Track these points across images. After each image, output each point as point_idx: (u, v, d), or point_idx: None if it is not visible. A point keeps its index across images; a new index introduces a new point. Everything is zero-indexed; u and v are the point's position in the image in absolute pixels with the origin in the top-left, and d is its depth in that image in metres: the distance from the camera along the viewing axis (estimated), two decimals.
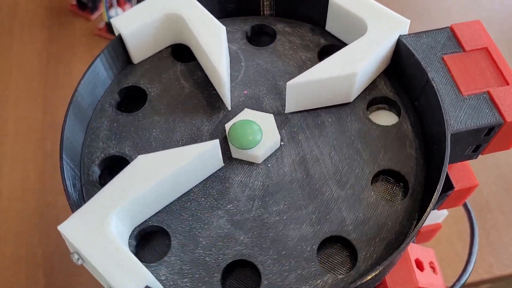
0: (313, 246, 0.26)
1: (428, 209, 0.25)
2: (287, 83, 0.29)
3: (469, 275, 0.35)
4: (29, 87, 0.62)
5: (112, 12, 0.63)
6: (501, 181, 0.55)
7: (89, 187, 0.29)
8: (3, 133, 0.58)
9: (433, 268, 0.34)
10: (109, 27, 0.64)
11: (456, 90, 0.29)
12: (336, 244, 0.27)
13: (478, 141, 0.29)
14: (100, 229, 0.24)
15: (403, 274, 0.32)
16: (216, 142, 0.27)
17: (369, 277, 0.24)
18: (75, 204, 0.26)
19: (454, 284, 0.34)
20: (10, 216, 0.53)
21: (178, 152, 0.27)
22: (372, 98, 0.31)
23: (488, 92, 0.29)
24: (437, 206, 0.36)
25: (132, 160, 0.29)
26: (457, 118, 0.28)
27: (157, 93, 0.32)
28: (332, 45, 0.33)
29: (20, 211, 0.53)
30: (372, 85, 0.32)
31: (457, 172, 0.34)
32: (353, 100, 0.31)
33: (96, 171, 0.29)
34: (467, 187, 0.34)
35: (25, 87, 0.62)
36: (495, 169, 0.56)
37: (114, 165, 0.30)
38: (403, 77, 0.31)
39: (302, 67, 0.32)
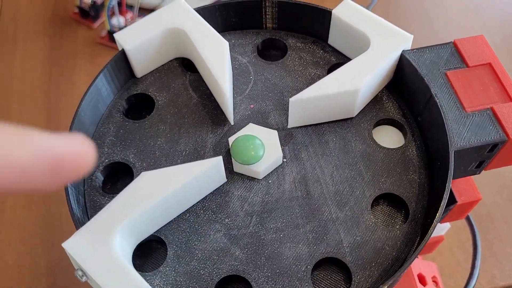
0: (308, 267, 0.26)
1: (431, 228, 0.25)
2: (290, 99, 0.29)
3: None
4: (32, 95, 0.62)
5: (114, 20, 0.63)
6: (504, 192, 0.55)
7: (91, 192, 0.29)
8: None
9: (435, 282, 0.34)
10: (111, 35, 0.64)
11: (460, 106, 0.29)
12: (331, 266, 0.27)
13: (481, 157, 0.29)
14: (104, 247, 0.24)
15: None
16: (219, 159, 0.27)
17: None
18: (79, 221, 0.26)
19: None
20: (14, 226, 0.53)
21: (182, 169, 0.27)
22: (379, 119, 0.31)
23: (492, 109, 0.29)
24: (440, 219, 0.36)
25: (135, 168, 0.29)
26: (460, 135, 0.28)
27: (165, 102, 0.32)
28: (342, 63, 0.33)
29: (24, 222, 0.53)
30: (379, 105, 0.32)
31: (460, 186, 0.34)
32: (359, 120, 0.31)
33: (100, 177, 0.29)
34: (470, 201, 0.34)
35: (28, 95, 0.62)
36: (498, 179, 0.56)
37: (117, 171, 0.30)
38: (406, 92, 0.31)
39: (311, 84, 0.32)
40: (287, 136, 0.31)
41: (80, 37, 0.66)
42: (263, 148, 0.28)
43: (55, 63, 0.64)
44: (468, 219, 0.40)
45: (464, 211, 0.36)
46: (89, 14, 0.66)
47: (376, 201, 0.29)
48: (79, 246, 0.25)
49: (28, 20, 0.68)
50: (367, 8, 0.65)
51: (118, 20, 0.63)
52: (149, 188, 0.26)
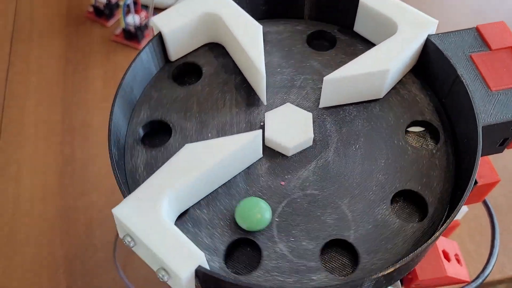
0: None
1: (464, 196, 0.26)
2: (324, 78, 0.30)
3: (492, 267, 0.36)
4: (48, 91, 0.63)
5: (129, 18, 0.64)
6: (510, 184, 0.57)
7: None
8: (23, 136, 0.59)
9: (457, 260, 0.35)
10: (126, 33, 0.65)
11: (485, 85, 0.30)
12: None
13: (506, 134, 0.30)
14: (153, 212, 0.25)
15: (431, 264, 0.33)
16: (259, 133, 0.28)
17: (398, 266, 0.25)
18: (127, 190, 0.27)
19: (477, 276, 0.35)
20: (31, 218, 0.54)
21: (223, 141, 0.28)
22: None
23: None
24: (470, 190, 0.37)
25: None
26: (487, 112, 0.29)
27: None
28: None
29: (41, 214, 0.54)
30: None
31: (479, 167, 0.35)
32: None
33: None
34: (489, 182, 0.36)
35: (44, 92, 0.63)
36: (505, 173, 0.57)
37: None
38: (431, 75, 0.33)
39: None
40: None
41: (94, 35, 0.67)
42: (269, 210, 0.28)
43: (71, 60, 0.65)
44: (485, 204, 0.41)
45: (483, 193, 0.37)
46: (104, 13, 0.67)
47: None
48: (128, 211, 0.26)
49: (43, 19, 0.69)
50: None
51: (133, 18, 0.64)
52: (193, 159, 0.27)
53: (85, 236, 0.53)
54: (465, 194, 0.27)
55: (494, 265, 0.36)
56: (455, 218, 0.42)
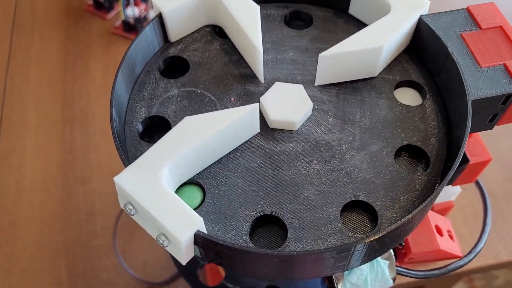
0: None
1: (451, 170, 0.27)
2: (320, 54, 0.31)
3: (484, 243, 0.37)
4: (49, 83, 0.64)
5: (128, 10, 0.65)
6: (504, 171, 0.57)
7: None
8: (24, 127, 0.60)
9: (450, 236, 0.36)
10: (125, 25, 0.66)
11: (475, 62, 0.31)
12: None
13: (495, 110, 0.31)
14: (153, 180, 0.26)
15: (424, 238, 0.34)
16: (256, 106, 0.29)
17: (392, 229, 0.26)
18: (128, 160, 0.28)
19: (470, 252, 0.36)
20: (33, 206, 0.54)
21: (222, 114, 0.29)
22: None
23: (504, 65, 0.31)
24: (452, 181, 0.38)
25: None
26: (476, 87, 0.30)
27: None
28: None
29: (42, 201, 0.55)
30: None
31: (471, 147, 0.36)
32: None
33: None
34: (481, 161, 0.36)
35: (45, 83, 0.64)
36: (499, 159, 0.58)
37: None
38: (423, 55, 0.34)
39: None
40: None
41: (94, 28, 0.68)
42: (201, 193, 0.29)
43: (71, 53, 0.66)
44: (478, 184, 0.42)
45: (475, 172, 0.38)
46: (103, 5, 0.68)
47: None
48: (130, 179, 0.26)
49: (43, 12, 0.70)
50: None
51: (133, 10, 0.65)
52: (193, 130, 0.28)
53: (85, 223, 0.53)
54: (455, 163, 0.28)
55: (486, 241, 0.37)
56: (449, 199, 0.43)
